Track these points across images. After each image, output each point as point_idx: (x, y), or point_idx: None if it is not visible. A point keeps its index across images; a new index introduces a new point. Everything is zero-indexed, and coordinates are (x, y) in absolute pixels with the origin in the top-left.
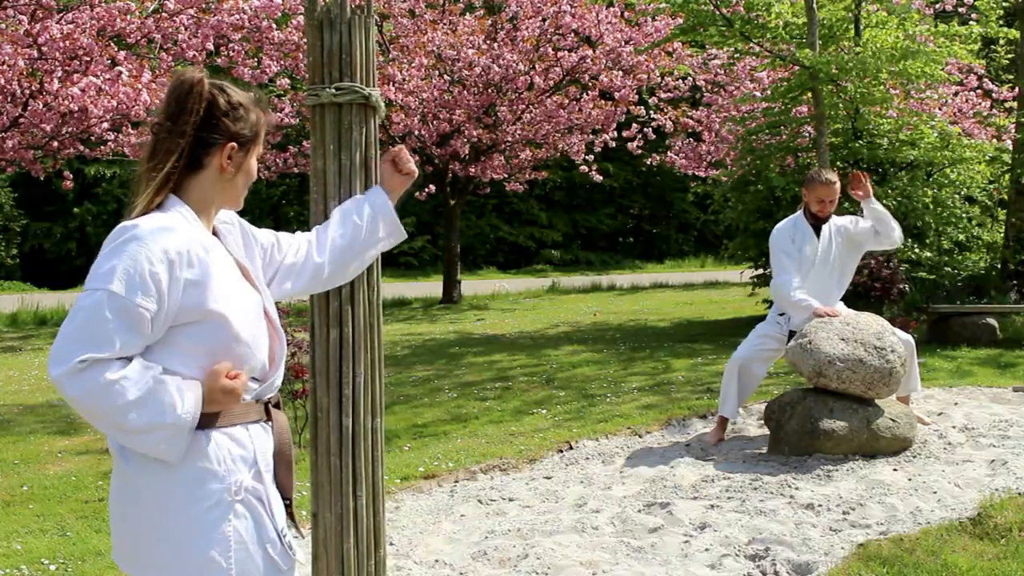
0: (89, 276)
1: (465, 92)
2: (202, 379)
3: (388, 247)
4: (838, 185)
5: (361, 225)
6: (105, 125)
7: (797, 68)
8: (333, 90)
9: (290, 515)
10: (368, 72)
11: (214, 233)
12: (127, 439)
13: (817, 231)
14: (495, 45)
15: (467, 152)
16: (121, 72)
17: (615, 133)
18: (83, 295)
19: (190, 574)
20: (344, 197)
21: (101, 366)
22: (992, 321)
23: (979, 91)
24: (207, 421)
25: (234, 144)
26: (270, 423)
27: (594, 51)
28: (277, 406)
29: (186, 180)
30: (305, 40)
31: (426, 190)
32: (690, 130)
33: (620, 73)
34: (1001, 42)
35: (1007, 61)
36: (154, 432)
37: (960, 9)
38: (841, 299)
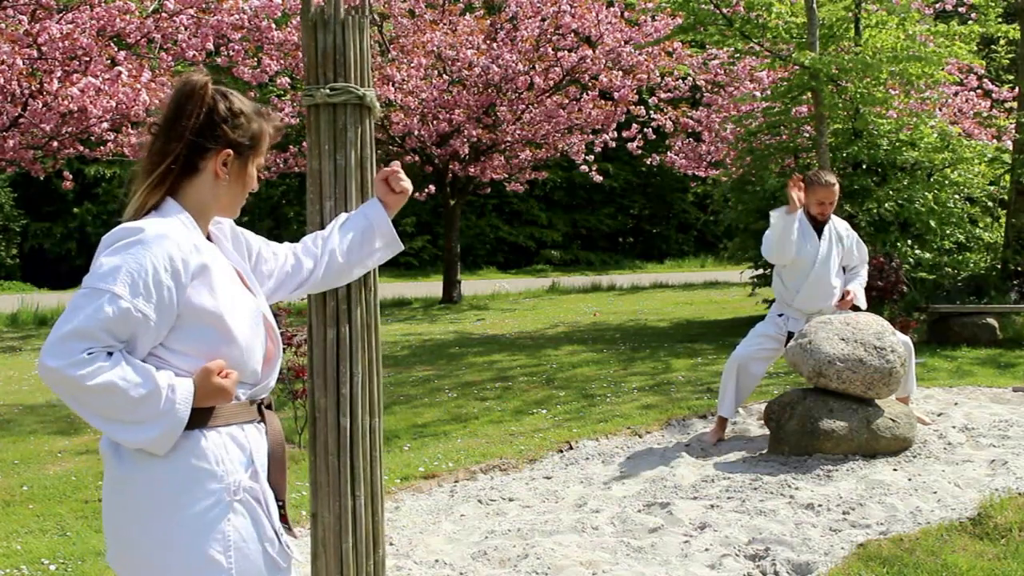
0: (91, 274)
1: (465, 92)
2: (193, 376)
3: (384, 259)
4: (837, 187)
5: (357, 237)
6: (105, 125)
7: (797, 68)
8: (328, 90)
9: (283, 516)
10: (363, 72)
11: (208, 238)
12: (119, 432)
13: (818, 232)
14: (495, 45)
15: (467, 152)
16: (121, 72)
17: (615, 133)
18: (83, 292)
19: (191, 575)
20: (339, 196)
21: (97, 360)
22: (992, 321)
23: (979, 91)
24: (202, 420)
25: (230, 151)
26: (263, 424)
27: (594, 51)
28: (270, 407)
29: (182, 184)
30: None
31: (426, 190)
32: (690, 130)
33: (620, 73)
34: (1001, 42)
35: (1007, 61)
36: (147, 424)
37: (960, 9)
38: None
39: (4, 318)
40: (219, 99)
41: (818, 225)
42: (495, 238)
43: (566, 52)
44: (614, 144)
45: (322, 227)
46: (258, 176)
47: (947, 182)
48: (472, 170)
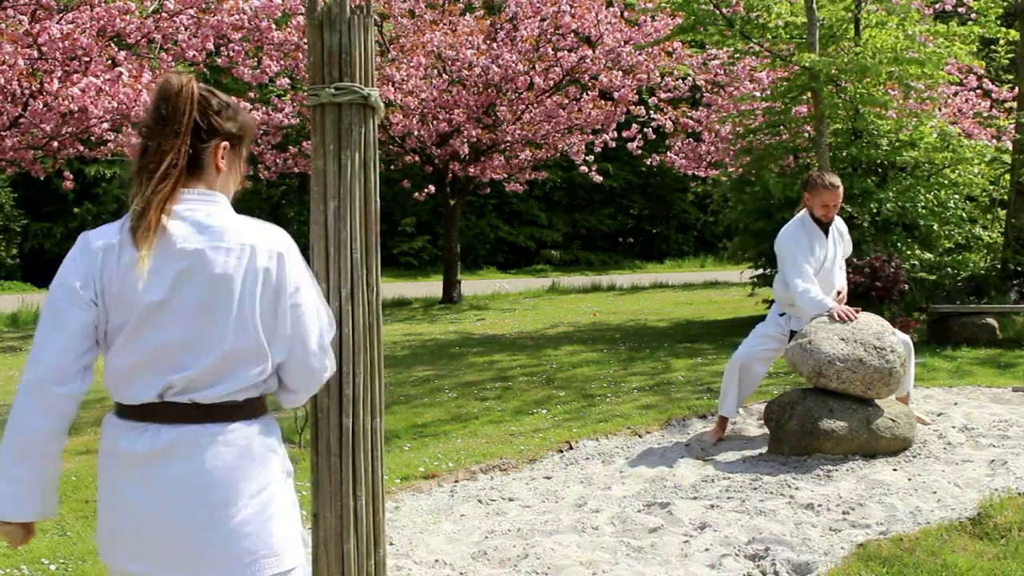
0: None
1: (465, 92)
2: None
3: None
4: (842, 189)
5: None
6: (105, 125)
7: (797, 68)
8: (333, 90)
9: None
10: (367, 72)
11: None
12: None
13: (824, 233)
14: (495, 45)
15: (467, 152)
16: (121, 72)
17: (615, 133)
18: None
19: (300, 554)
20: (344, 197)
21: None
22: (992, 321)
23: (979, 91)
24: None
25: (226, 143)
26: None
27: (594, 51)
28: None
29: (190, 181)
30: (305, 40)
31: (426, 190)
32: (690, 130)
33: (620, 73)
34: (1001, 42)
35: (1007, 61)
36: None
37: (960, 9)
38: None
39: (4, 318)
40: (208, 94)
41: (823, 226)
42: (495, 238)
43: (566, 52)
44: (614, 144)
45: (326, 227)
46: (257, 176)
47: (947, 182)
48: (472, 170)
